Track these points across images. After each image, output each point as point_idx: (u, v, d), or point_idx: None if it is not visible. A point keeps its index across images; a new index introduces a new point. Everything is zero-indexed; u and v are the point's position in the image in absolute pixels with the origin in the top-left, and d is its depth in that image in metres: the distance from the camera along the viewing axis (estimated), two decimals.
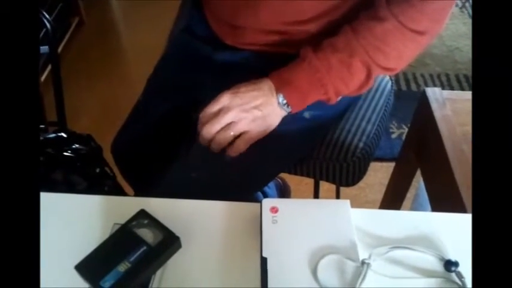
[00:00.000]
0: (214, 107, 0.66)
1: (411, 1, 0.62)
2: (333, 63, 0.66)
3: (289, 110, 0.68)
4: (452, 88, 1.99)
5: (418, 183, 1.21)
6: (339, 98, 0.70)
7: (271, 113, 0.67)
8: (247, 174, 0.68)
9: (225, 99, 0.65)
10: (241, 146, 0.67)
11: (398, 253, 0.50)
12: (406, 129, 1.75)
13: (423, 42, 0.66)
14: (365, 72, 0.67)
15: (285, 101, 0.67)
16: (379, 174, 1.59)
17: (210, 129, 0.65)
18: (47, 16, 1.05)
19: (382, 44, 0.65)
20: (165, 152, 0.79)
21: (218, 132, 0.65)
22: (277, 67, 0.69)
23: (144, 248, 0.49)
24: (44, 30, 1.08)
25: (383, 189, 1.23)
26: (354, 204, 0.53)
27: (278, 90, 0.67)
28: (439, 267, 0.49)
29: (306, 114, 0.73)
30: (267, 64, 0.71)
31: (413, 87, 2.00)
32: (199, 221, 0.54)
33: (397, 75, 2.04)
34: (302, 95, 0.68)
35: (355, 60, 0.65)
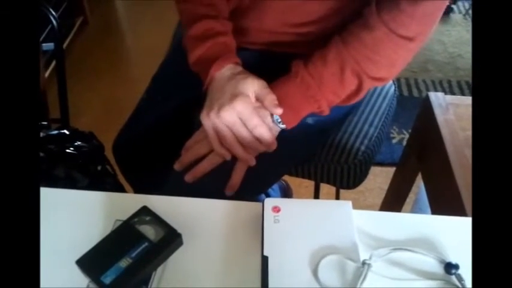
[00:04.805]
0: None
1: (401, 6, 0.61)
2: (325, 77, 0.66)
3: (283, 127, 0.68)
4: (453, 94, 1.99)
5: (418, 187, 1.21)
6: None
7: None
8: (250, 177, 0.68)
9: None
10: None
11: (399, 255, 0.50)
12: (407, 135, 1.76)
13: (413, 49, 0.66)
14: (356, 83, 0.67)
15: (279, 119, 0.67)
16: (379, 178, 1.59)
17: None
18: (53, 13, 1.04)
19: (372, 53, 0.64)
20: (166, 152, 0.79)
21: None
22: (280, 66, 0.69)
23: (146, 244, 0.49)
24: (50, 26, 1.07)
25: (382, 194, 1.23)
26: (353, 208, 0.53)
27: None
28: (439, 269, 0.49)
29: (310, 120, 0.73)
30: (269, 63, 0.72)
31: (415, 93, 2.00)
32: (201, 218, 0.54)
33: (399, 81, 2.04)
34: (296, 112, 0.68)
35: (347, 72, 0.65)
